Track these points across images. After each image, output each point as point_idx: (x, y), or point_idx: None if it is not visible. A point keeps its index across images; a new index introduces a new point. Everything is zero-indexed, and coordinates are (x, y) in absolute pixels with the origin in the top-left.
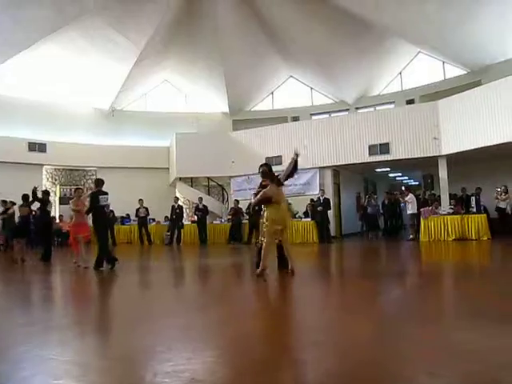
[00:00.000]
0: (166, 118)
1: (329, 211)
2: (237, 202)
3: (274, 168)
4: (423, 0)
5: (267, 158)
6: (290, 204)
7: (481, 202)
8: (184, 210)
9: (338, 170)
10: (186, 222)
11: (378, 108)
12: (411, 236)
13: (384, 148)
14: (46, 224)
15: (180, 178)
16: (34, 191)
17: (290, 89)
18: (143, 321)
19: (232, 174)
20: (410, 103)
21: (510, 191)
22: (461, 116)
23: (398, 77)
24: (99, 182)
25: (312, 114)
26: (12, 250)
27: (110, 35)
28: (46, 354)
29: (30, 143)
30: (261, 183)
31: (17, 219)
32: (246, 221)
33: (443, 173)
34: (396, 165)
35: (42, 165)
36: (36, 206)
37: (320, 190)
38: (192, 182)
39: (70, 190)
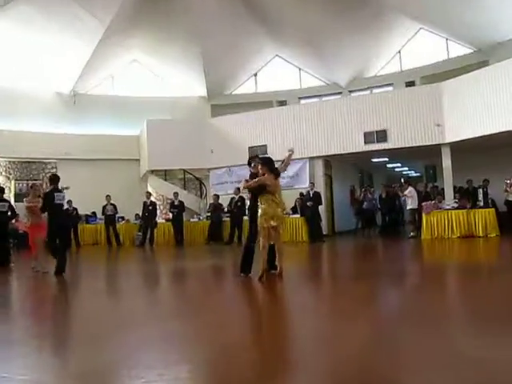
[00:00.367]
0: (135, 102)
1: (320, 206)
2: (216, 197)
3: None
4: None
5: (250, 147)
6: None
7: (488, 195)
8: (157, 206)
9: (329, 161)
10: (159, 220)
11: (374, 91)
12: (412, 233)
13: (381, 135)
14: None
15: (152, 171)
16: None
17: (275, 70)
18: (110, 333)
19: (211, 166)
20: (409, 85)
21: None
22: (466, 100)
23: (396, 56)
24: (55, 179)
25: (300, 98)
26: None
27: (72, 11)
28: None
29: None
30: (251, 174)
31: None
32: (227, 218)
33: (447, 163)
34: (394, 154)
35: None
36: None
37: (310, 183)
38: (166, 175)
39: (27, 185)
